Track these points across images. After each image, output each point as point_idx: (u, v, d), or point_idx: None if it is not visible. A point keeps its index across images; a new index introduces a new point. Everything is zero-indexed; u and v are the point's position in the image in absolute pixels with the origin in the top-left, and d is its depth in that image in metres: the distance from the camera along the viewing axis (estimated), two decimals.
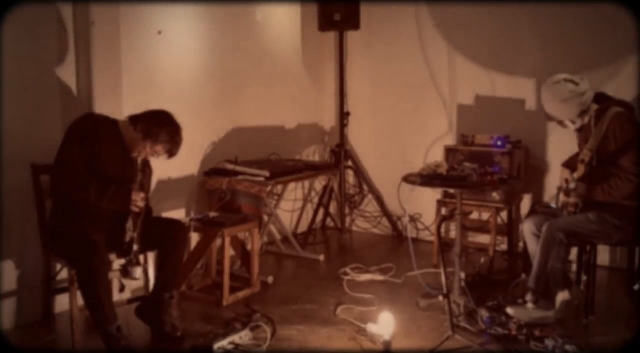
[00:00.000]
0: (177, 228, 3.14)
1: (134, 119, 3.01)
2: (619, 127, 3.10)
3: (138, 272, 2.87)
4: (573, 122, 3.28)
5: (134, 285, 3.39)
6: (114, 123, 3.05)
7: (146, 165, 3.05)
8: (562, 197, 3.18)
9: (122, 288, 2.91)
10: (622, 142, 3.09)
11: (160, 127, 2.95)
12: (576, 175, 3.24)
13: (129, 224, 2.90)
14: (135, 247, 2.88)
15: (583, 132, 3.29)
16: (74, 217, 2.93)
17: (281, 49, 4.99)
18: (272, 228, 4.74)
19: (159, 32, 3.75)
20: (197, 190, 4.23)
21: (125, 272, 2.85)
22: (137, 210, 2.91)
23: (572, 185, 3.13)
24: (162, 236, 3.06)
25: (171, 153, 3.03)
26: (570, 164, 3.41)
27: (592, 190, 3.15)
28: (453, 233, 4.61)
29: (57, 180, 2.89)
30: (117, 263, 2.97)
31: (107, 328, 2.78)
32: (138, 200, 2.91)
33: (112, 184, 2.89)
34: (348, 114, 5.23)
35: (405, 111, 5.12)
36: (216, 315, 3.42)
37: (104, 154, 2.95)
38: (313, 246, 4.91)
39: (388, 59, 5.18)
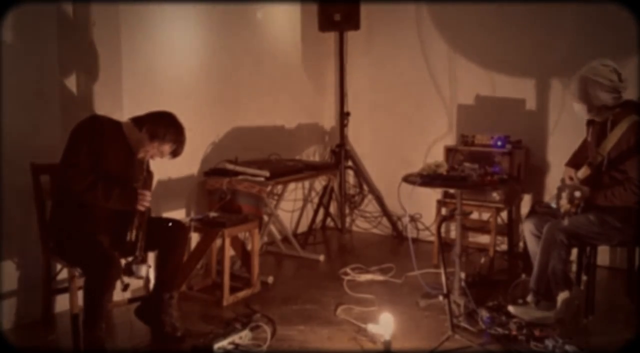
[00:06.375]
0: (178, 228, 3.15)
1: (138, 121, 3.03)
2: (634, 137, 3.08)
3: (143, 269, 2.87)
4: (598, 108, 3.15)
5: (134, 285, 3.38)
6: (117, 125, 3.07)
7: (147, 169, 3.07)
8: (564, 203, 3.15)
9: (125, 287, 2.91)
10: (634, 152, 3.07)
11: (166, 128, 2.99)
12: (580, 175, 3.23)
13: (133, 223, 2.90)
14: (140, 245, 2.89)
15: (596, 131, 3.27)
16: (79, 218, 2.93)
17: (281, 49, 4.99)
18: (272, 228, 4.74)
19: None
20: (197, 190, 4.23)
21: (130, 271, 2.85)
22: (143, 208, 2.93)
23: (577, 193, 3.10)
24: (162, 236, 3.06)
25: (176, 152, 3.08)
26: (573, 162, 3.41)
27: (594, 194, 3.14)
28: (453, 233, 4.61)
29: (66, 181, 2.89)
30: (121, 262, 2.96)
31: (96, 330, 2.78)
32: (144, 198, 2.93)
33: (117, 184, 2.91)
34: (348, 114, 5.23)
35: (405, 111, 5.11)
36: (216, 315, 3.42)
37: (109, 155, 2.96)
38: (313, 246, 4.91)
39: (388, 59, 5.18)
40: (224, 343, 2.94)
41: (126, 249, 2.91)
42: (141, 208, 2.92)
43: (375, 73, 5.27)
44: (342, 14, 4.89)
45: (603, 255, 4.08)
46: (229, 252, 3.63)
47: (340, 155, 5.14)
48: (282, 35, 4.99)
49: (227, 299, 3.58)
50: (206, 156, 4.30)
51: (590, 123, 3.35)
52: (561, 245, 3.14)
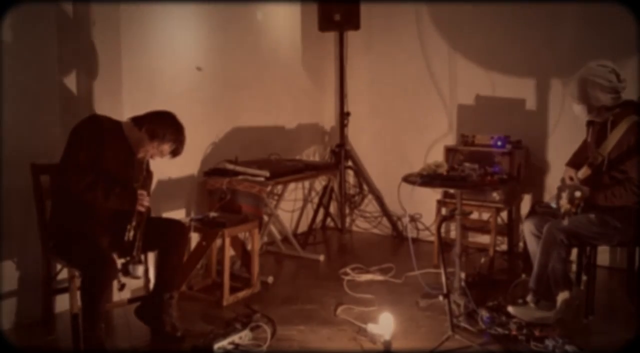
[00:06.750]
0: (178, 228, 3.15)
1: (138, 120, 3.04)
2: (634, 137, 3.08)
3: (139, 270, 2.87)
4: (598, 109, 3.15)
5: (134, 285, 3.39)
6: (117, 125, 3.07)
7: (147, 169, 3.07)
8: (564, 203, 3.15)
9: (121, 287, 2.91)
10: (634, 152, 3.07)
11: (166, 127, 3.00)
12: (581, 175, 3.23)
13: (131, 223, 2.90)
14: (138, 245, 2.89)
15: (596, 131, 3.27)
16: (79, 218, 2.93)
17: (281, 49, 4.99)
18: (272, 228, 4.73)
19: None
20: (197, 190, 4.23)
21: (126, 271, 2.85)
22: (143, 209, 2.93)
23: (578, 193, 3.10)
24: (163, 236, 3.07)
25: (176, 152, 3.09)
26: (574, 162, 3.40)
27: (594, 194, 3.14)
28: (453, 233, 4.61)
29: (65, 181, 2.90)
30: (118, 262, 2.95)
31: (95, 330, 2.78)
32: (143, 198, 2.94)
33: (117, 184, 2.92)
34: (348, 114, 5.23)
35: (405, 111, 5.11)
36: (216, 315, 3.42)
37: (109, 155, 2.96)
38: (313, 246, 4.91)
39: (388, 59, 5.18)
40: (224, 343, 2.94)
41: (125, 249, 2.91)
42: (141, 208, 2.92)
43: (375, 73, 5.27)
44: (342, 14, 4.89)
45: (603, 255, 4.08)
46: (229, 252, 3.63)
47: (340, 155, 5.14)
48: (282, 35, 4.99)
49: (227, 299, 3.58)
50: (206, 156, 4.30)
51: (590, 123, 3.36)
52: (561, 245, 3.14)
